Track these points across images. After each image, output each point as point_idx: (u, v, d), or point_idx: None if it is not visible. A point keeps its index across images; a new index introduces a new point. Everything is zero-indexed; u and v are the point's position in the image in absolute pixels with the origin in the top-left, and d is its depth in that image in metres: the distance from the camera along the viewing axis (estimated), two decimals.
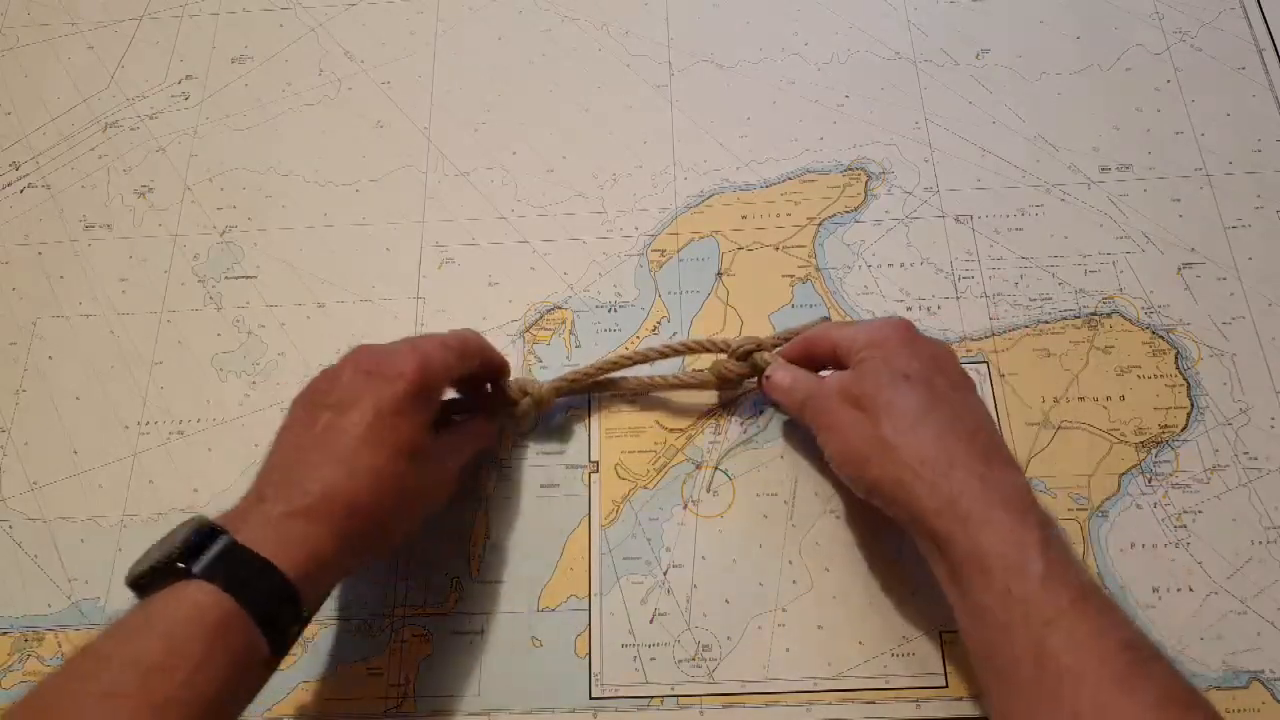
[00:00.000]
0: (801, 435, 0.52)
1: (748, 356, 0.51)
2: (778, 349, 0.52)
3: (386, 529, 0.42)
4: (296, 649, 0.48)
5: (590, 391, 0.54)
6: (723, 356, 0.51)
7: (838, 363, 0.46)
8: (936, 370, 0.43)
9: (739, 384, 0.52)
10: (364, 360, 0.44)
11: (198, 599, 0.36)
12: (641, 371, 0.53)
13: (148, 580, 0.37)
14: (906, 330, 0.45)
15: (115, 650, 0.35)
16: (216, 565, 0.37)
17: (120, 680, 0.34)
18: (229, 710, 0.37)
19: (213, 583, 0.36)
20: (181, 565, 0.37)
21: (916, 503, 0.40)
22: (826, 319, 0.54)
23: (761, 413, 0.53)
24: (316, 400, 0.43)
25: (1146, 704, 0.34)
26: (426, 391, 0.43)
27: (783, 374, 0.48)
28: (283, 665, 0.47)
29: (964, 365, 0.53)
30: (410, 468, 0.42)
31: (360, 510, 0.40)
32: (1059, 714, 0.34)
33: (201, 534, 0.38)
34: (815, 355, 0.48)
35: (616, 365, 0.52)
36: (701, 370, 0.52)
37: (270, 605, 0.37)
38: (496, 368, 0.50)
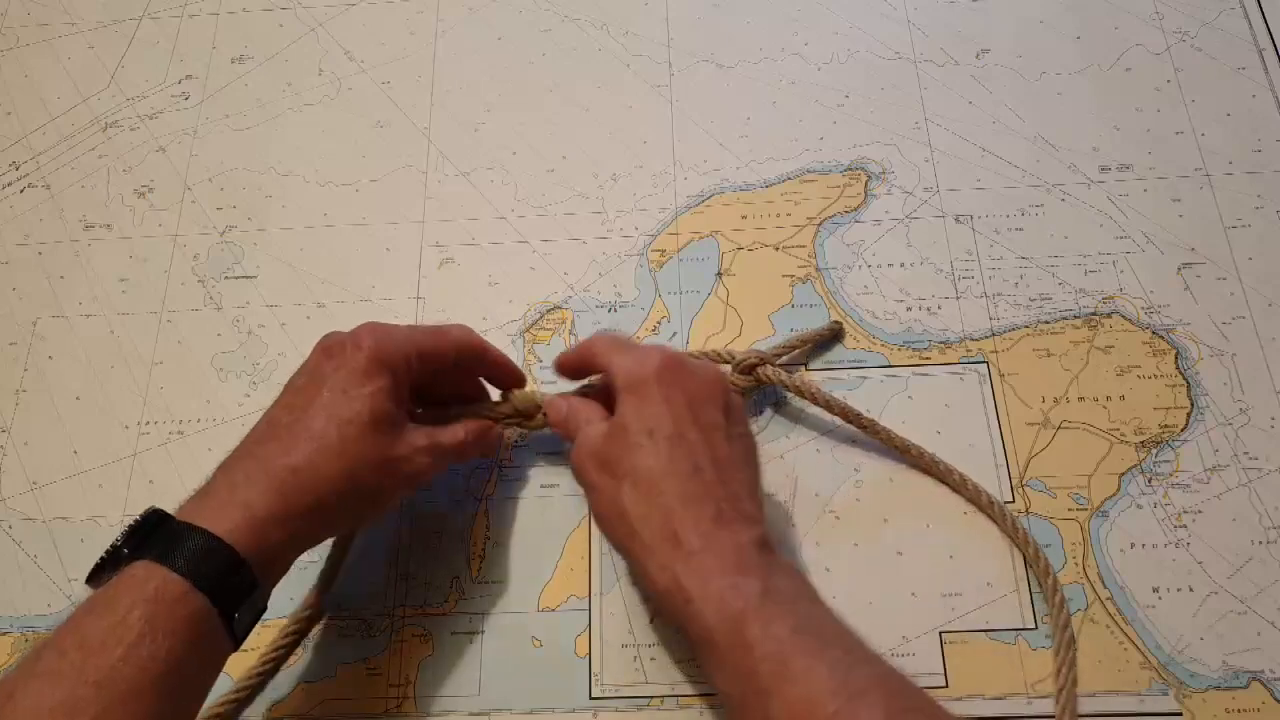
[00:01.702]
0: (802, 435, 0.52)
1: (752, 370, 0.50)
2: (782, 360, 0.52)
3: (337, 493, 0.41)
4: (297, 649, 0.48)
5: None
6: (726, 368, 0.51)
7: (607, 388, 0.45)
8: (689, 416, 0.42)
9: (748, 396, 0.52)
10: (327, 342, 0.45)
11: (136, 574, 0.37)
12: None
13: (98, 572, 0.39)
14: (665, 370, 0.43)
15: (62, 634, 0.36)
16: (153, 541, 0.38)
17: (64, 660, 0.35)
18: (183, 685, 0.37)
19: (149, 558, 0.37)
20: (125, 550, 0.38)
21: (651, 583, 0.40)
22: (837, 324, 0.54)
23: (761, 413, 0.53)
24: (287, 383, 0.45)
25: None
26: (383, 364, 0.43)
27: (557, 406, 0.48)
28: (284, 665, 0.48)
29: (963, 365, 0.53)
30: (363, 437, 0.42)
31: (301, 473, 0.40)
32: None
33: (144, 518, 0.39)
34: (593, 370, 0.48)
35: None
36: None
37: (208, 569, 0.37)
38: (492, 365, 0.49)
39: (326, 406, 0.42)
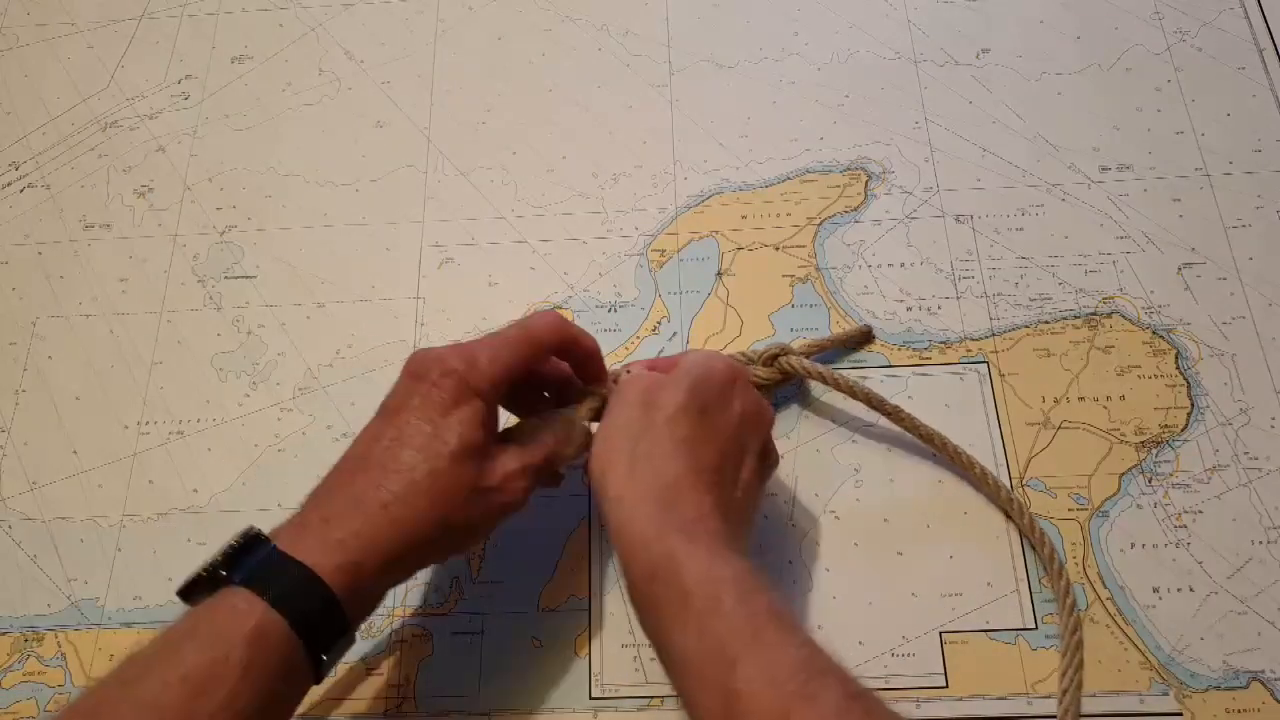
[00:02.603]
0: (802, 435, 0.52)
1: (774, 361, 0.50)
2: (813, 353, 0.52)
3: (427, 530, 0.40)
4: None
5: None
6: (751, 365, 0.51)
7: None
8: (737, 423, 0.43)
9: (771, 393, 0.52)
10: (414, 365, 0.43)
11: (236, 605, 0.36)
12: None
13: (192, 588, 0.38)
14: (733, 370, 0.44)
15: (160, 659, 0.35)
16: (255, 571, 0.37)
17: (164, 692, 0.34)
18: None
19: (250, 589, 0.36)
20: (223, 573, 0.37)
21: (626, 523, 0.39)
22: (868, 328, 0.54)
23: None
24: (381, 406, 0.43)
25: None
26: (471, 390, 0.41)
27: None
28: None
29: (963, 365, 0.53)
30: (454, 470, 0.40)
31: (392, 510, 0.39)
32: None
33: (245, 541, 0.38)
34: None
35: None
36: None
37: (306, 609, 0.37)
38: (582, 357, 0.46)
39: (414, 438, 0.40)
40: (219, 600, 0.37)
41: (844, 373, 0.51)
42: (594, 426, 0.45)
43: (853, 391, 0.50)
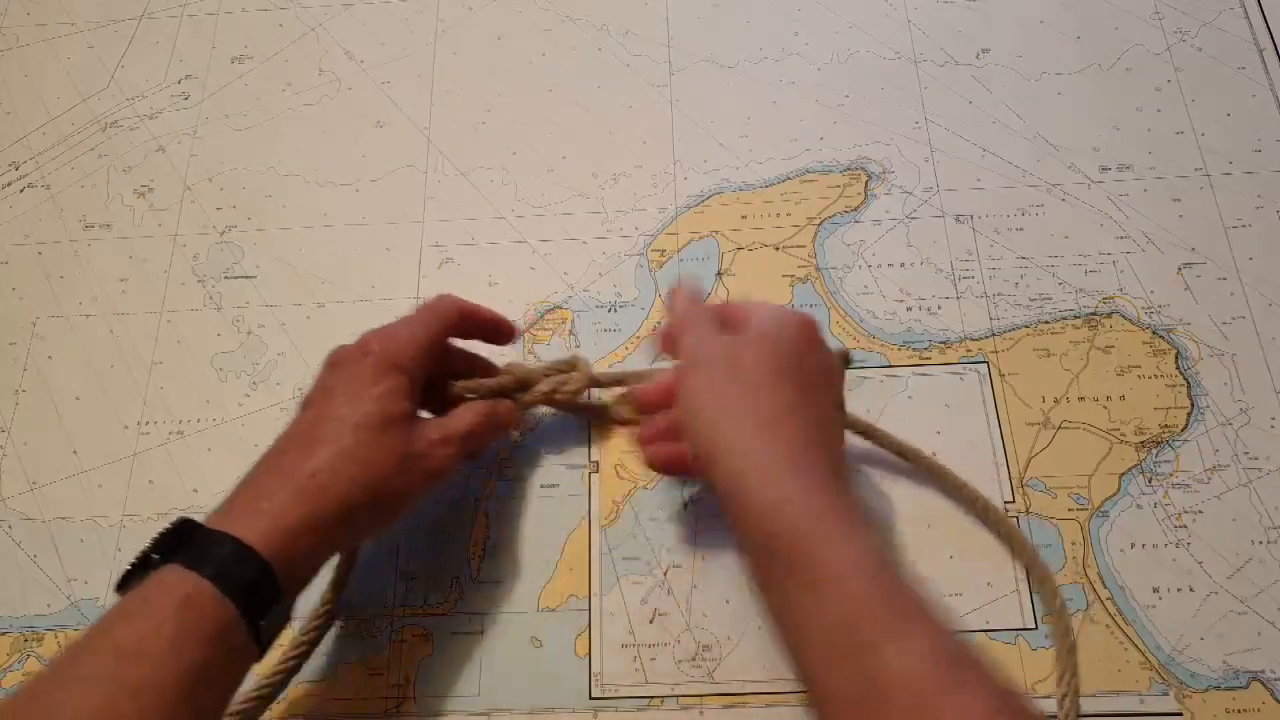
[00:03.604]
0: None
1: None
2: None
3: (357, 496, 0.41)
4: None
5: (581, 414, 0.53)
6: None
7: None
8: (813, 366, 0.43)
9: None
10: (332, 357, 0.46)
11: (167, 579, 0.37)
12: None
13: (127, 579, 0.39)
14: (809, 321, 0.44)
15: (96, 638, 0.36)
16: (183, 548, 0.38)
17: (96, 665, 0.35)
18: (209, 692, 0.37)
19: (179, 563, 0.37)
20: (155, 556, 0.38)
21: (732, 472, 0.39)
22: (845, 352, 0.51)
23: None
24: (300, 404, 0.45)
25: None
26: (391, 364, 0.44)
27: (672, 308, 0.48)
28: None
29: (963, 365, 0.53)
30: (379, 439, 0.42)
31: (321, 477, 0.41)
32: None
33: (175, 527, 0.40)
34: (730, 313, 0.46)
35: (626, 379, 0.51)
36: None
37: (237, 576, 0.38)
38: (485, 324, 0.49)
39: (339, 413, 0.42)
40: (150, 580, 0.38)
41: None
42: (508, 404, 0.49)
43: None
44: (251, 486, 0.41)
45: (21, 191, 0.64)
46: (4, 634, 0.51)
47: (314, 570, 0.42)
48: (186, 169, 0.63)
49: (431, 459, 0.44)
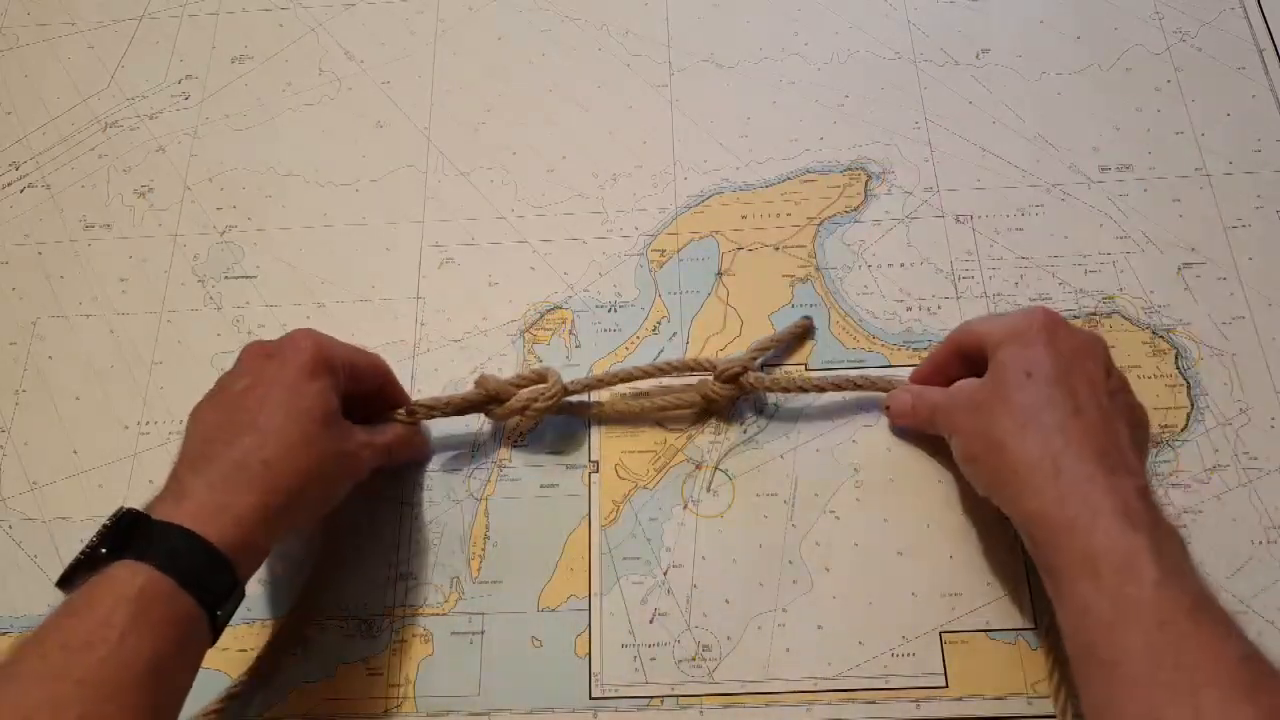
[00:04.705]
0: (802, 435, 0.52)
1: (735, 379, 0.50)
2: (760, 356, 0.52)
3: (303, 484, 0.42)
4: (297, 649, 0.48)
5: (573, 413, 0.53)
6: (708, 378, 0.51)
7: (982, 355, 0.46)
8: (1070, 364, 0.42)
9: (731, 405, 0.52)
10: (257, 349, 0.46)
11: (119, 574, 0.37)
12: (627, 387, 0.53)
13: (72, 575, 0.38)
14: (1046, 322, 0.44)
15: (44, 635, 0.36)
16: (133, 542, 0.38)
17: (46, 661, 0.35)
18: (167, 683, 0.37)
19: (129, 557, 0.37)
20: (103, 551, 0.38)
21: (1019, 504, 0.40)
22: (808, 319, 0.54)
23: (761, 412, 0.53)
24: (222, 387, 0.45)
25: (1271, 715, 0.33)
26: (326, 363, 0.45)
27: (899, 399, 0.50)
28: (283, 665, 0.48)
29: None
30: (321, 431, 0.43)
31: (274, 466, 0.41)
32: (1179, 708, 0.34)
33: (119, 519, 0.39)
34: (962, 350, 0.47)
35: (602, 383, 0.51)
36: (690, 389, 0.52)
37: (193, 566, 0.38)
38: (392, 395, 0.50)
39: (283, 404, 0.43)
40: (101, 576, 0.37)
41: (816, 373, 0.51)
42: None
43: (818, 387, 0.51)
44: (199, 474, 0.41)
45: (21, 191, 0.64)
46: (4, 634, 0.51)
47: (262, 558, 0.42)
48: (186, 169, 0.63)
49: (358, 460, 0.46)
